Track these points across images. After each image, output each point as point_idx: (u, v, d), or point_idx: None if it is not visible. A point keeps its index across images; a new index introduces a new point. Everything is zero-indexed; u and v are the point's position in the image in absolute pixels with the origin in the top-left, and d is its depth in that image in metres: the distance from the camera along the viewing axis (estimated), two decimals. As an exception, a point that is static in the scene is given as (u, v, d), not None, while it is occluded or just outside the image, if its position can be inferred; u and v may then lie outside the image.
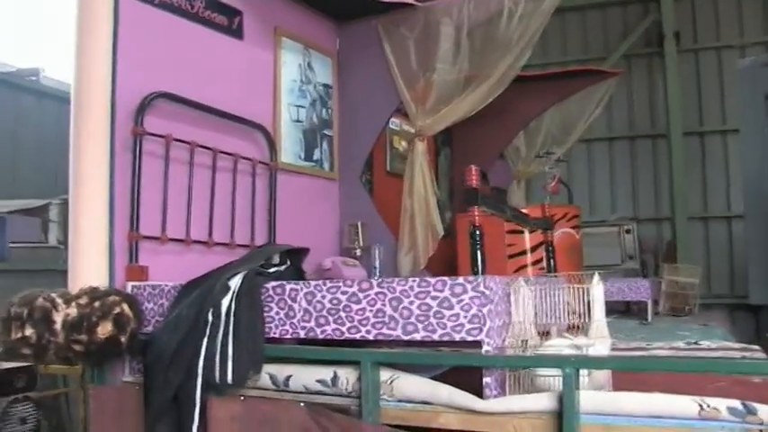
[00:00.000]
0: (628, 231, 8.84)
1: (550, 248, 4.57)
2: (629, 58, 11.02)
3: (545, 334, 2.73)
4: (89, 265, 3.05)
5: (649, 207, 10.98)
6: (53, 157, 8.22)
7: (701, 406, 2.08)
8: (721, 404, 2.06)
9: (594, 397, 2.24)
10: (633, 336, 4.90)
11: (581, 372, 2.26)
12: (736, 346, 4.15)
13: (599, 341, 2.49)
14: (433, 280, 2.49)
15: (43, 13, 8.53)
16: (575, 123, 6.73)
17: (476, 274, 3.03)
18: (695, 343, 4.34)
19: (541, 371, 2.38)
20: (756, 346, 4.41)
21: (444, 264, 4.64)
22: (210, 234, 3.71)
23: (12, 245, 7.25)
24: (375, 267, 4.53)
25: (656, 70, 10.84)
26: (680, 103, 10.34)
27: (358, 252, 4.65)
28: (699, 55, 10.75)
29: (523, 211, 4.87)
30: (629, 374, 2.60)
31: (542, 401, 2.25)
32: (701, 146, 10.71)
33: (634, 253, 8.85)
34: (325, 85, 4.85)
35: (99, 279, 3.00)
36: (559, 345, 2.47)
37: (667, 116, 10.38)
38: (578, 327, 2.74)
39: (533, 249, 4.68)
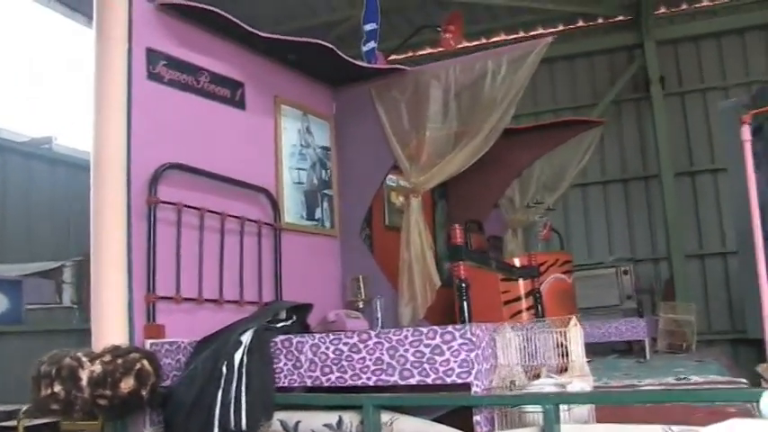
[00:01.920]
0: (625, 272, 8.98)
1: (537, 295, 4.80)
2: (618, 104, 11.38)
3: (536, 376, 2.97)
4: (110, 326, 3.28)
5: (646, 247, 11.21)
6: (66, 221, 8.53)
7: (668, 433, 2.31)
8: (685, 430, 2.29)
9: (573, 430, 2.47)
10: (630, 374, 5.09)
11: (562, 407, 2.50)
12: (723, 379, 4.37)
13: (578, 379, 2.72)
14: (425, 329, 2.75)
15: (54, 82, 8.86)
16: (565, 171, 6.98)
17: (463, 322, 3.27)
18: (685, 378, 4.54)
19: (528, 407, 2.61)
20: (743, 379, 4.61)
21: (444, 313, 4.83)
22: (221, 293, 3.96)
23: (28, 306, 7.52)
24: (377, 318, 4.71)
25: (644, 114, 11.18)
26: (669, 145, 10.67)
27: (361, 304, 4.84)
28: (685, 98, 11.12)
29: (515, 260, 5.10)
30: (613, 409, 2.83)
31: (527, 436, 2.49)
32: (692, 185, 10.99)
33: (632, 293, 9.02)
34: (324, 148, 5.14)
35: (120, 338, 3.23)
36: (543, 383, 2.71)
37: (658, 158, 10.69)
38: (566, 368, 2.97)
39: (527, 295, 4.90)
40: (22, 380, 2.90)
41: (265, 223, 4.41)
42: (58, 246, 8.35)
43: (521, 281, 4.94)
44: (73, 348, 3.10)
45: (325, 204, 5.08)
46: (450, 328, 2.69)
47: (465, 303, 3.34)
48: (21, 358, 6.84)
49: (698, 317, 7.32)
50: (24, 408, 5.33)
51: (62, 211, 8.50)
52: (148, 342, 3.39)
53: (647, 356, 6.42)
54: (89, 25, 3.76)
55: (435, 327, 2.73)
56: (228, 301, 4.01)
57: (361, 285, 4.90)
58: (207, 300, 3.86)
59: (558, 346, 2.96)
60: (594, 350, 5.84)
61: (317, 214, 4.99)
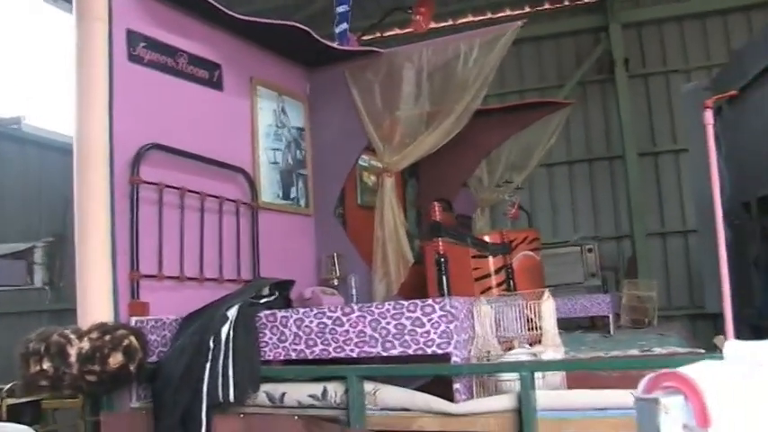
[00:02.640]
0: (590, 250, 9.17)
1: (510, 270, 4.96)
2: (583, 85, 11.57)
3: (509, 348, 3.12)
4: (95, 304, 3.37)
5: (609, 226, 11.46)
6: (36, 201, 8.49)
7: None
8: (651, 395, 2.45)
9: (548, 395, 2.63)
10: (596, 347, 5.26)
11: (536, 375, 2.65)
12: (683, 350, 4.56)
13: (551, 348, 2.88)
14: (406, 302, 2.88)
15: (23, 62, 8.76)
16: (532, 151, 7.14)
17: (442, 295, 3.40)
18: (648, 350, 4.72)
19: (504, 376, 2.76)
20: (702, 350, 4.82)
21: (415, 289, 4.95)
22: (201, 270, 4.05)
23: (-1, 289, 7.51)
24: (352, 295, 4.84)
25: (609, 95, 11.40)
26: (633, 126, 10.91)
27: (335, 281, 4.95)
28: (648, 80, 11.34)
29: (485, 237, 5.24)
30: (582, 377, 2.99)
31: (504, 402, 2.64)
32: (655, 165, 11.24)
33: (596, 270, 9.23)
34: (299, 128, 5.23)
35: (105, 315, 3.32)
36: (518, 353, 2.86)
37: (622, 138, 10.94)
38: (539, 341, 3.13)
39: (497, 272, 5.05)
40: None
41: (243, 203, 4.50)
42: (28, 226, 8.32)
43: (490, 258, 5.09)
44: (59, 326, 3.17)
45: (300, 184, 5.17)
46: (430, 300, 2.82)
47: (444, 278, 3.47)
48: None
49: (659, 293, 7.54)
50: (7, 386, 5.38)
51: (32, 192, 8.47)
52: (133, 319, 3.46)
53: (612, 331, 6.60)
54: (68, 10, 3.76)
55: (416, 300, 2.86)
56: (209, 279, 4.09)
57: (336, 263, 5.01)
58: (188, 278, 3.94)
59: (529, 320, 3.12)
60: (560, 326, 5.95)
61: (293, 193, 5.08)
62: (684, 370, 1.02)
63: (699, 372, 1.01)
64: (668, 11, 11.21)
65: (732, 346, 1.12)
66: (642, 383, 1.07)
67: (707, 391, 0.96)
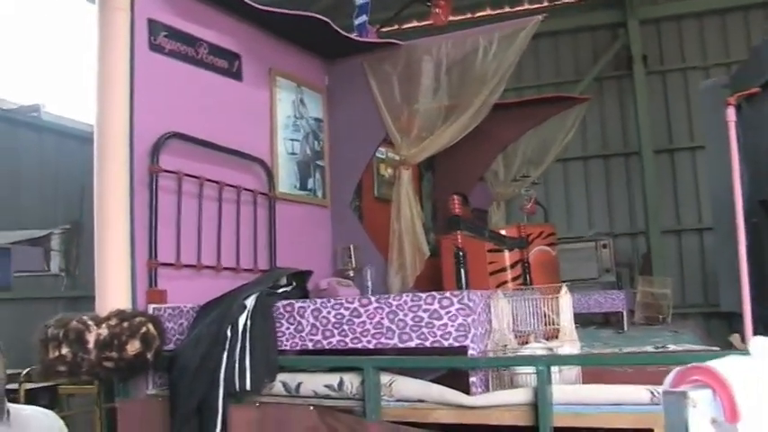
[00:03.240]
0: (604, 246, 9.14)
1: (526, 265, 4.96)
2: (600, 81, 11.53)
3: (524, 342, 3.13)
4: (114, 291, 3.38)
5: (624, 222, 11.43)
6: (53, 189, 8.55)
7: (652, 393, 2.47)
8: (669, 391, 2.45)
9: (564, 390, 2.63)
10: (610, 343, 5.26)
11: (552, 369, 2.65)
12: (698, 348, 4.55)
13: (568, 343, 2.88)
14: (423, 295, 2.88)
15: (43, 50, 8.83)
16: (549, 146, 7.13)
17: (460, 288, 3.41)
18: (663, 347, 4.71)
19: (519, 369, 2.77)
20: (716, 347, 4.80)
21: (430, 282, 4.96)
22: (219, 259, 4.07)
23: (15, 274, 7.57)
24: (367, 287, 4.84)
25: (626, 92, 11.35)
26: (650, 123, 10.86)
27: (351, 273, 4.97)
28: (666, 76, 11.29)
29: (501, 231, 5.24)
30: (597, 372, 3.00)
31: (520, 395, 2.64)
32: (671, 162, 11.20)
33: (610, 266, 9.21)
34: (317, 119, 5.24)
35: (123, 303, 3.33)
36: (534, 347, 2.86)
37: (638, 135, 10.89)
38: (555, 336, 3.13)
39: (512, 266, 5.05)
40: (11, 345, 2.95)
41: (260, 192, 4.51)
42: (45, 213, 8.37)
43: (506, 252, 5.09)
44: (77, 313, 3.20)
45: (318, 175, 5.18)
46: (447, 293, 2.83)
47: (462, 270, 3.48)
48: (9, 324, 6.94)
49: (673, 290, 7.52)
50: (24, 371, 5.44)
51: (49, 179, 8.52)
52: (151, 307, 3.48)
53: (625, 328, 6.59)
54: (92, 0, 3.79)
55: (433, 292, 2.86)
56: (226, 268, 4.11)
57: (352, 254, 5.02)
58: (205, 266, 3.96)
59: (545, 315, 3.12)
60: (575, 321, 6.00)
61: (310, 184, 5.10)
62: (713, 364, 1.02)
63: (727, 366, 1.01)
64: (687, 7, 11.15)
65: (758, 341, 1.12)
66: (669, 377, 1.07)
67: (735, 385, 0.96)
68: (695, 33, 11.19)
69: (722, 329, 9.87)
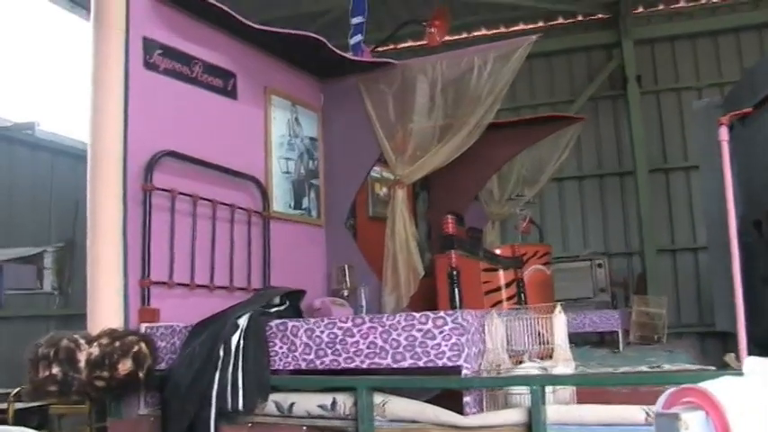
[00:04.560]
0: (599, 265, 9.14)
1: (521, 284, 4.95)
2: (595, 101, 11.55)
3: (518, 362, 3.11)
4: (106, 309, 3.37)
5: (619, 241, 11.41)
6: (47, 206, 8.53)
7: (647, 413, 2.46)
8: (663, 412, 2.44)
9: (558, 410, 2.61)
10: (605, 363, 5.24)
11: (547, 389, 2.64)
12: (693, 367, 4.53)
13: (562, 363, 2.87)
14: (417, 314, 2.87)
15: (38, 68, 8.84)
16: (544, 166, 7.14)
17: (454, 308, 3.40)
18: (658, 367, 4.69)
19: (514, 389, 2.75)
20: (712, 367, 4.78)
21: (425, 301, 4.93)
22: (212, 278, 4.05)
23: (8, 292, 7.53)
24: (362, 306, 4.82)
25: (620, 111, 11.38)
26: (644, 142, 10.88)
27: (345, 293, 4.94)
28: (660, 96, 11.31)
29: (496, 251, 5.23)
30: (592, 392, 2.98)
31: (514, 416, 2.63)
32: (665, 182, 11.20)
33: (605, 286, 9.19)
34: (312, 139, 5.24)
35: (115, 322, 3.32)
36: (528, 367, 2.85)
37: (633, 154, 10.90)
38: (549, 355, 3.12)
39: (507, 285, 5.03)
40: (3, 364, 2.92)
41: (255, 211, 4.50)
42: (38, 231, 8.35)
43: (501, 271, 5.07)
44: (69, 331, 3.17)
45: (312, 194, 5.18)
46: (441, 313, 2.82)
47: (456, 290, 3.47)
48: (0, 343, 6.89)
49: (668, 310, 7.50)
50: (14, 391, 5.38)
51: (43, 197, 8.51)
52: (143, 325, 3.47)
53: (620, 347, 6.57)
54: (86, 17, 3.79)
55: (427, 312, 2.85)
56: (219, 287, 4.09)
57: (347, 274, 5.00)
58: (198, 285, 3.94)
59: (539, 334, 3.11)
60: (569, 341, 5.98)
61: (305, 203, 5.09)
62: (705, 385, 1.01)
63: (719, 387, 1.00)
64: (681, 28, 11.20)
65: (751, 362, 1.11)
66: (662, 399, 1.06)
67: (728, 407, 0.95)
68: (689, 54, 11.24)
69: (717, 349, 9.83)
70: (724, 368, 4.94)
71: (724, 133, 2.84)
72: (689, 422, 0.94)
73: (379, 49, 9.10)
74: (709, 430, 0.96)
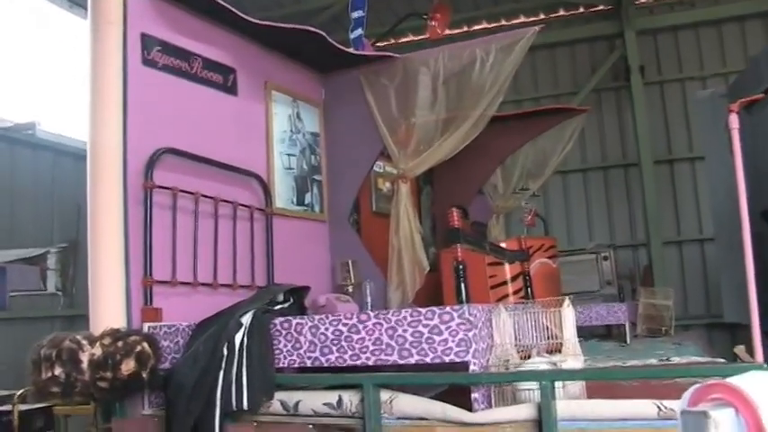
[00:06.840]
0: (605, 258, 9.09)
1: (527, 278, 4.89)
2: (598, 92, 11.50)
3: (527, 356, 3.06)
4: (108, 309, 3.33)
5: (625, 233, 11.37)
6: (49, 207, 8.50)
7: (659, 408, 2.41)
8: (676, 405, 2.38)
9: (569, 405, 2.57)
10: (613, 356, 5.20)
11: (556, 384, 2.59)
12: (703, 360, 4.48)
13: (571, 357, 2.82)
14: (423, 310, 2.82)
15: (38, 68, 8.81)
16: (548, 158, 7.08)
17: (460, 303, 3.35)
18: (667, 359, 4.65)
19: (522, 385, 2.70)
20: (721, 359, 4.74)
21: (430, 296, 4.91)
22: (215, 276, 4.00)
23: (11, 293, 7.51)
24: (367, 302, 4.77)
25: (624, 103, 11.32)
26: (649, 133, 10.82)
27: (350, 288, 4.89)
28: (664, 87, 11.26)
29: (502, 244, 5.18)
30: (602, 386, 2.93)
31: (524, 411, 2.58)
32: (670, 173, 11.15)
33: (612, 279, 9.14)
34: (313, 134, 5.19)
35: (117, 321, 3.28)
36: (537, 362, 2.80)
37: (637, 146, 10.84)
38: (558, 349, 3.07)
39: (513, 279, 4.99)
40: (7, 365, 2.89)
41: (257, 208, 4.45)
42: (41, 232, 8.33)
43: (507, 265, 5.03)
44: (71, 332, 3.14)
45: (315, 190, 5.13)
46: (448, 308, 2.77)
47: (462, 284, 3.42)
48: (5, 345, 6.87)
49: (675, 302, 7.45)
50: (19, 392, 5.35)
51: (45, 197, 8.48)
52: (146, 325, 3.42)
53: (628, 340, 6.53)
54: (83, 16, 3.75)
55: (433, 307, 2.80)
56: (222, 285, 4.04)
57: (351, 269, 4.95)
58: (201, 283, 3.90)
59: (547, 329, 3.06)
60: (577, 334, 5.95)
61: (307, 199, 5.04)
62: (734, 381, 0.95)
63: (749, 383, 0.95)
64: (684, 18, 11.14)
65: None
66: (687, 395, 1.00)
67: (760, 404, 0.90)
68: (692, 44, 11.18)
69: (725, 341, 9.82)
70: (734, 361, 4.91)
71: (734, 121, 2.78)
72: (718, 420, 0.89)
73: (381, 43, 9.05)
74: (740, 428, 0.91)
